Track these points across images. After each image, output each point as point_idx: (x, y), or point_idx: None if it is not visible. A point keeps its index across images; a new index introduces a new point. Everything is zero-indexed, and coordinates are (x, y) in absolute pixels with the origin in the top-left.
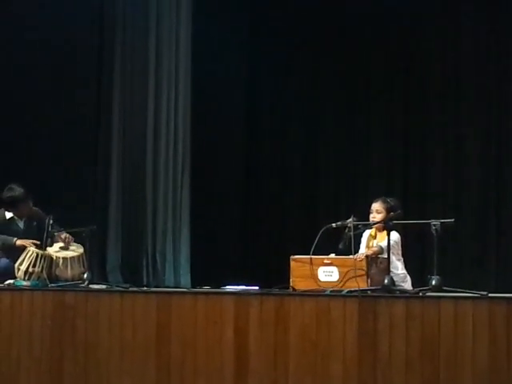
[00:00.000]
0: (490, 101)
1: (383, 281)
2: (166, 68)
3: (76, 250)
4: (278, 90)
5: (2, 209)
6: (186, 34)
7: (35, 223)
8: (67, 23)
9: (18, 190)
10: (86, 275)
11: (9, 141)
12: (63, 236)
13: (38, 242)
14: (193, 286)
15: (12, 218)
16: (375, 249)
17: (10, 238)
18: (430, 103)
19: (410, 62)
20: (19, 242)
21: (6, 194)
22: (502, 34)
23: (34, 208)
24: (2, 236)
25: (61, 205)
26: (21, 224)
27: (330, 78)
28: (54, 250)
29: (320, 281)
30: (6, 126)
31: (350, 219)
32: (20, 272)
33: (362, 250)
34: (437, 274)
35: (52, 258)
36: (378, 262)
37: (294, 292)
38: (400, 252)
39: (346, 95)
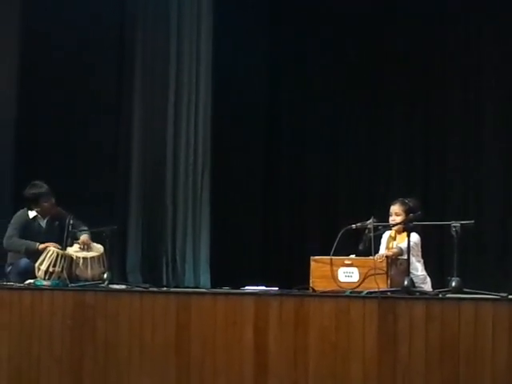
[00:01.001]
0: (510, 101)
1: (403, 282)
2: (187, 65)
3: (96, 250)
4: (300, 88)
5: (25, 208)
6: (207, 26)
7: (57, 223)
8: (90, 19)
9: (41, 187)
10: (106, 275)
11: (31, 140)
12: (81, 241)
13: (60, 247)
14: (212, 287)
15: (35, 217)
16: (395, 250)
17: (33, 243)
18: (451, 103)
19: (432, 60)
20: (42, 247)
21: (30, 190)
22: None
23: (56, 207)
24: (25, 241)
25: (81, 205)
26: (43, 223)
27: (353, 77)
28: (74, 250)
29: (340, 281)
30: (28, 127)
31: (370, 220)
32: (40, 272)
33: (382, 251)
34: (457, 276)
35: (72, 258)
36: (397, 263)
37: (314, 293)
38: (420, 253)
39: (367, 93)
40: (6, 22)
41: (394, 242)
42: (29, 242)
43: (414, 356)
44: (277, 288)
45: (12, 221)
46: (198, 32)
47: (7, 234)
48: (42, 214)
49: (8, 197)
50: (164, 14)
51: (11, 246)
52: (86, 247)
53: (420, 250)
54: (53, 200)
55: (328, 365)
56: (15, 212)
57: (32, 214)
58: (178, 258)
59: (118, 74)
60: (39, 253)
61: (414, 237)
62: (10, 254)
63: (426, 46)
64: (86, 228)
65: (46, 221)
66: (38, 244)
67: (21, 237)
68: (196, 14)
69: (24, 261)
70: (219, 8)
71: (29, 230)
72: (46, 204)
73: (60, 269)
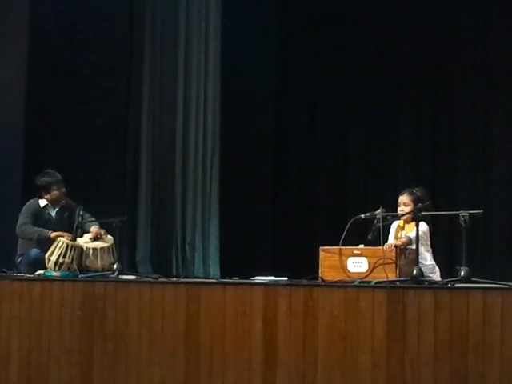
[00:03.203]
0: None
1: (412, 272)
2: (196, 56)
3: (106, 241)
4: (308, 78)
5: (36, 198)
6: (215, 16)
7: (67, 214)
8: (98, 14)
9: (53, 175)
10: (115, 266)
11: (40, 129)
12: (94, 232)
13: (71, 236)
14: (222, 277)
15: (45, 206)
16: (404, 240)
17: (46, 230)
18: (459, 92)
19: (439, 50)
20: (54, 235)
21: (41, 177)
22: None
23: (66, 197)
24: (38, 228)
25: (91, 196)
26: (53, 213)
27: (360, 65)
28: (84, 241)
29: (349, 271)
30: (38, 118)
31: (379, 210)
32: (50, 262)
33: (391, 241)
34: (465, 265)
35: (82, 249)
36: (406, 252)
37: (323, 283)
38: (429, 243)
39: (375, 83)
40: (16, 9)
41: (403, 231)
42: (41, 229)
43: (423, 345)
44: (286, 278)
45: (23, 210)
46: (207, 18)
47: (19, 221)
48: (52, 202)
49: (17, 186)
50: (173, 4)
51: (24, 233)
52: (99, 238)
53: (429, 239)
54: (63, 189)
55: (337, 354)
56: (25, 200)
57: (43, 202)
58: (187, 248)
59: (127, 62)
60: (50, 242)
61: (423, 226)
62: (20, 245)
63: (435, 31)
64: (94, 219)
65: (56, 211)
66: (50, 232)
67: (32, 225)
68: (204, 3)
69: (34, 251)
70: None
71: (39, 220)
72: (56, 192)
73: (70, 259)
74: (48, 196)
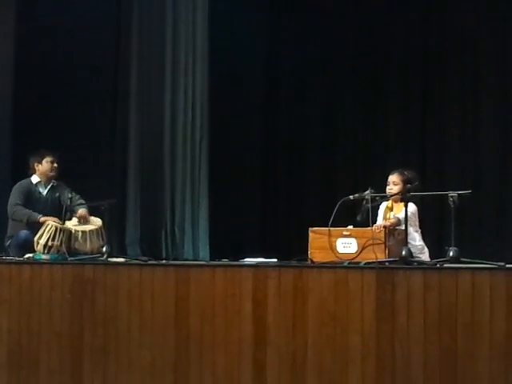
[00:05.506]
0: (509, 73)
1: (401, 252)
2: (184, 32)
3: (95, 224)
4: (297, 62)
5: (29, 179)
6: (202, 12)
7: (57, 194)
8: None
9: (47, 152)
10: (104, 248)
11: (29, 114)
12: (78, 215)
13: (59, 221)
14: (211, 259)
15: (37, 183)
16: (393, 220)
17: (35, 214)
18: (448, 75)
19: (428, 35)
20: (43, 219)
21: (36, 151)
22: None
23: (59, 181)
24: (28, 211)
25: (80, 179)
26: (44, 192)
27: (350, 51)
28: (73, 224)
29: (338, 252)
30: (25, 100)
31: (368, 191)
32: (39, 246)
33: (380, 222)
34: (454, 246)
35: (71, 232)
36: (395, 233)
37: (313, 264)
38: (417, 223)
39: (365, 68)
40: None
41: (392, 212)
42: (31, 212)
43: (412, 325)
44: (275, 259)
45: (13, 189)
46: (194, 11)
47: (11, 201)
48: (44, 176)
49: (6, 172)
50: None
51: (15, 215)
52: (83, 221)
53: (417, 220)
54: (55, 164)
55: (326, 335)
56: (14, 183)
57: (35, 179)
58: (176, 230)
59: (115, 51)
60: (39, 225)
61: (412, 207)
62: (10, 226)
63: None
64: (83, 202)
65: (47, 190)
66: (39, 216)
67: (23, 205)
68: None
69: (24, 232)
70: None
71: (29, 199)
72: (49, 164)
73: (59, 242)
74: (40, 167)
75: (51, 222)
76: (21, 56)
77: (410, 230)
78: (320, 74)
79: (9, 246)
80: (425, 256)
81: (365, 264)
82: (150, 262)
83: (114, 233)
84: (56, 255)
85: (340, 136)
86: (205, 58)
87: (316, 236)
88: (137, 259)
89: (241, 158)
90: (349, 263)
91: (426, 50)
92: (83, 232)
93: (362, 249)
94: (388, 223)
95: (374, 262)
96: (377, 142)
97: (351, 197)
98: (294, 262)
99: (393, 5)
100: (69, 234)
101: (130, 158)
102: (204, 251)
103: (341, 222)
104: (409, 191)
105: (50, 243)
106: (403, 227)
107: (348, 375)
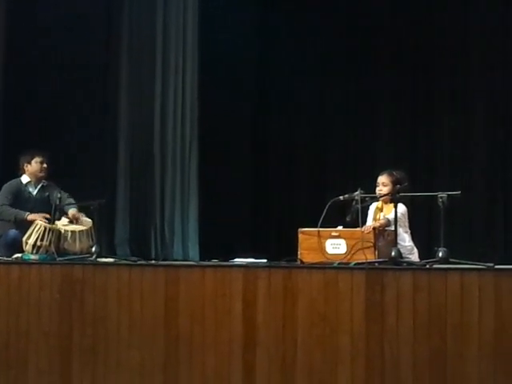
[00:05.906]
0: (500, 74)
1: (390, 253)
2: (174, 30)
3: (84, 224)
4: (288, 62)
5: (19, 178)
6: (193, 8)
7: (47, 194)
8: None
9: (37, 152)
10: (94, 249)
11: (18, 114)
12: (71, 215)
13: (49, 217)
14: (201, 259)
15: (27, 183)
16: (382, 221)
17: (23, 212)
18: (439, 75)
19: (419, 32)
20: (31, 217)
21: (27, 151)
22: None
23: (49, 181)
24: (15, 210)
25: (69, 178)
26: (34, 192)
27: (340, 52)
28: (63, 224)
29: (328, 253)
30: (14, 99)
31: (357, 192)
32: (28, 246)
33: (369, 222)
34: (444, 246)
35: (60, 232)
36: (385, 234)
37: (302, 265)
38: (407, 224)
39: (355, 68)
40: None
41: (381, 213)
42: (18, 210)
43: (402, 326)
44: (265, 260)
45: (2, 189)
46: (185, 8)
47: None
48: (33, 176)
49: None
50: None
51: (2, 215)
52: (75, 221)
53: (407, 220)
54: (45, 165)
55: (316, 336)
56: (3, 183)
57: (25, 179)
58: (166, 230)
59: (106, 47)
60: (28, 223)
61: (401, 208)
62: None
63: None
64: (73, 201)
65: (37, 190)
66: (27, 214)
67: (11, 205)
68: None
69: (13, 232)
70: None
71: (18, 198)
72: (39, 164)
73: (48, 242)
74: (29, 167)
75: (40, 222)
76: (9, 54)
77: (400, 230)
78: (310, 74)
79: None
80: (414, 257)
81: (354, 265)
82: (139, 262)
83: (103, 233)
84: (45, 255)
85: (330, 137)
86: (195, 57)
87: (305, 237)
88: (126, 259)
89: (231, 158)
90: (338, 264)
91: (418, 48)
92: (72, 232)
93: (351, 250)
94: (377, 224)
95: (363, 263)
96: (366, 143)
97: (341, 197)
98: (283, 263)
99: (383, 7)
100: (58, 234)
101: (119, 158)
102: (194, 251)
103: (330, 223)
104: (398, 192)
105: (38, 243)
106: (393, 228)
107: (337, 376)
